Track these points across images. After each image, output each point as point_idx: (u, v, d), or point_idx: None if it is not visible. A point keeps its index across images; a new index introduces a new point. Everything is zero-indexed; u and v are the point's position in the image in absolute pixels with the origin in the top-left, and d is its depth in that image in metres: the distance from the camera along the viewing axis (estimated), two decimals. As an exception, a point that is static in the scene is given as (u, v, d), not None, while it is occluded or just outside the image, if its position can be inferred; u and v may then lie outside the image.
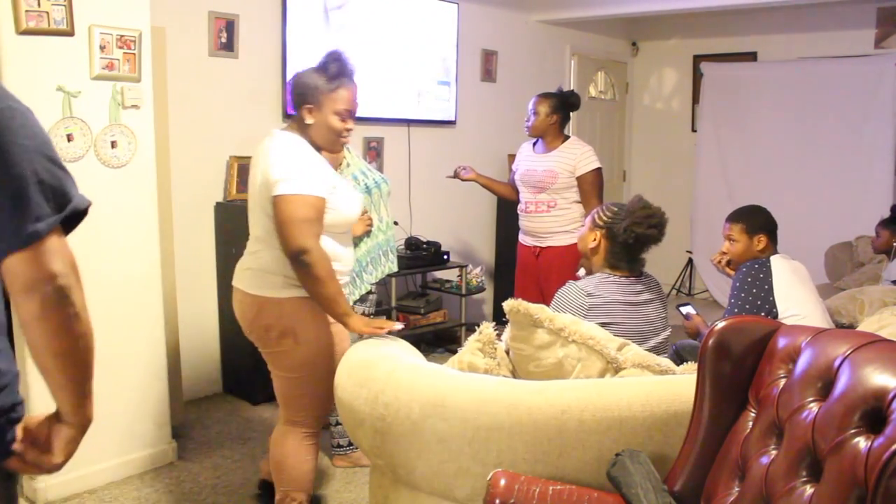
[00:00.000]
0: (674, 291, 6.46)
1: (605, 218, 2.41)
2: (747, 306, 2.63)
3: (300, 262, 2.14)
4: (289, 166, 2.17)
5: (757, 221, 2.85)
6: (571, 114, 3.81)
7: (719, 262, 2.96)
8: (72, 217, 1.10)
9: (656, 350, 2.31)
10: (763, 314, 2.58)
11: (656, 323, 2.37)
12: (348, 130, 2.29)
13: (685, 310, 3.06)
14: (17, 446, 1.14)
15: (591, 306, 2.28)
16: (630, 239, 2.33)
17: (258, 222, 2.30)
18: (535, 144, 3.80)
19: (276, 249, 2.22)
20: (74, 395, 1.15)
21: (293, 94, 2.30)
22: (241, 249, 3.67)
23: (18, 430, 1.15)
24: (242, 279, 2.34)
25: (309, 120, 2.24)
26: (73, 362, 1.12)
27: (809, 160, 5.74)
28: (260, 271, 2.29)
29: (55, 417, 1.17)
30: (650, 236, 2.35)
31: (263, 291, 2.27)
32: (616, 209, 2.43)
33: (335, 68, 2.23)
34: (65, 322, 1.08)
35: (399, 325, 2.22)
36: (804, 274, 2.80)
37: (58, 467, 1.19)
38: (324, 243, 2.21)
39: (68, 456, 1.19)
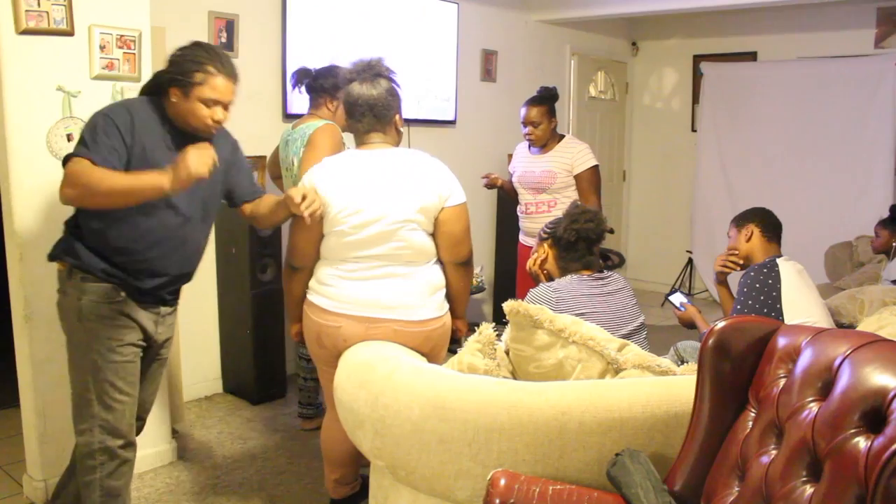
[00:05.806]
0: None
1: (546, 230, 2.66)
2: (753, 314, 2.61)
3: (469, 264, 2.32)
4: (450, 175, 2.27)
5: (745, 214, 2.85)
6: (572, 114, 3.81)
7: (723, 265, 2.88)
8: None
9: (633, 335, 2.40)
10: None
11: (628, 310, 2.47)
12: None
13: (677, 300, 3.03)
14: None
15: (558, 299, 2.39)
16: (571, 237, 2.53)
17: (414, 244, 2.20)
18: (530, 146, 3.80)
19: (433, 264, 2.27)
20: None
21: (395, 107, 2.27)
22: (241, 249, 3.72)
23: None
24: (409, 310, 2.19)
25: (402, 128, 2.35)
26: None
27: (809, 160, 5.73)
28: (433, 290, 2.26)
29: None
30: (589, 229, 2.55)
31: (440, 310, 2.28)
32: (555, 221, 2.67)
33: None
34: None
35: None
36: (807, 277, 2.79)
37: None
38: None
39: None
